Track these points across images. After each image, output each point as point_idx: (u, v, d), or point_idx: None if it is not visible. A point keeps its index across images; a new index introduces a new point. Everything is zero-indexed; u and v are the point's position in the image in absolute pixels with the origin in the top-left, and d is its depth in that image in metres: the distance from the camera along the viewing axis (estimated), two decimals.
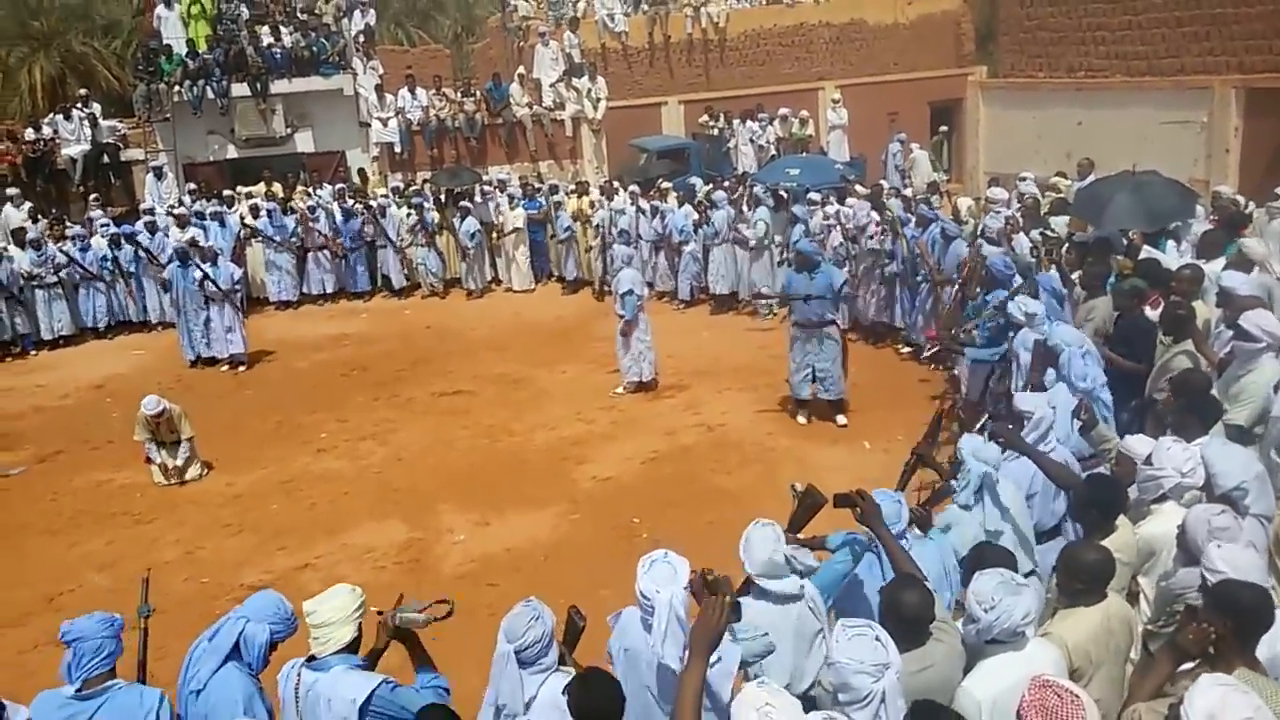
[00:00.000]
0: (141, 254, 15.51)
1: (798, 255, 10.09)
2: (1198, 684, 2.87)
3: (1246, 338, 6.09)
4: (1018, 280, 8.76)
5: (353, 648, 4.01)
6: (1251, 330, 6.06)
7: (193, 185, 18.36)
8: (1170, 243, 9.64)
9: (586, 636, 4.24)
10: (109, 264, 15.64)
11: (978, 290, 9.26)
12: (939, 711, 3.11)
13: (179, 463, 10.01)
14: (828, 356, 9.96)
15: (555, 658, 3.86)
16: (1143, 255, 8.90)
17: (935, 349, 10.09)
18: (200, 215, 16.33)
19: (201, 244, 14.26)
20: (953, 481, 5.16)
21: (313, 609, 3.97)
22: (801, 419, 10.28)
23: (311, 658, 3.98)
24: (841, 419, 10.24)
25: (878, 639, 3.30)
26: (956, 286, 10.25)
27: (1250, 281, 7.63)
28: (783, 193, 14.30)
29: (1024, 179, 13.39)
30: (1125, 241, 9.58)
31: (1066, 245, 9.97)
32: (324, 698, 3.86)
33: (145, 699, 3.97)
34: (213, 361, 13.93)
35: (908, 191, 14.53)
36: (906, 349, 12.33)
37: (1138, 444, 5.21)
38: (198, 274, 13.34)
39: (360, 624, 4.06)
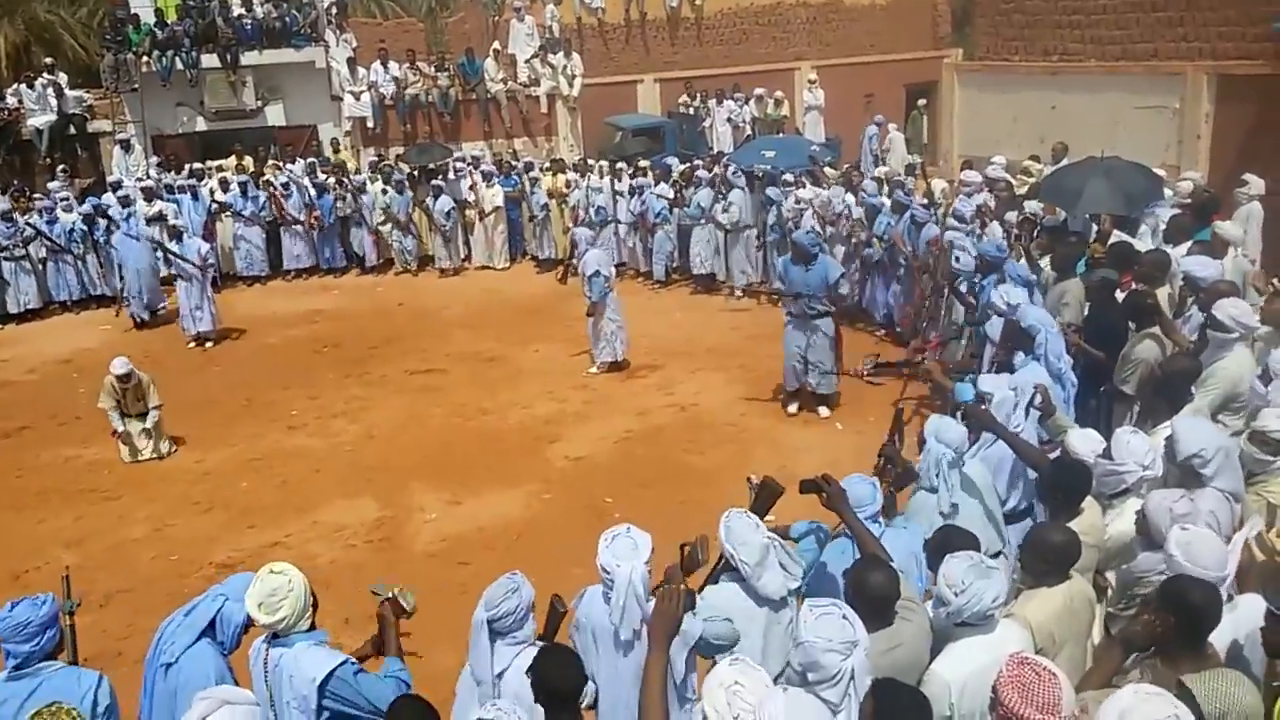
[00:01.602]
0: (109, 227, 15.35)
1: (794, 246, 9.84)
2: (1114, 694, 2.92)
3: (1219, 327, 6.16)
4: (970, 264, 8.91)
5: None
6: (1224, 320, 6.12)
7: (157, 158, 18.06)
8: (1144, 228, 9.73)
9: (565, 623, 4.25)
10: (76, 237, 15.42)
11: (958, 278, 9.30)
12: (899, 689, 3.14)
13: (148, 426, 9.90)
14: (821, 348, 9.77)
15: (531, 632, 3.89)
16: (1113, 239, 8.98)
17: (916, 360, 9.87)
18: (170, 189, 16.13)
19: (170, 219, 14.13)
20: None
21: (271, 617, 3.82)
22: (792, 409, 10.10)
23: (275, 634, 3.93)
24: (824, 410, 10.08)
25: (844, 617, 3.32)
26: (927, 277, 10.31)
27: (1224, 266, 7.74)
28: (757, 173, 14.28)
29: (993, 164, 13.42)
30: (1095, 228, 9.66)
31: (1038, 230, 10.06)
32: (287, 673, 3.84)
33: (83, 680, 3.92)
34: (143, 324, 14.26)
35: (880, 172, 14.56)
36: (878, 330, 12.40)
37: (1079, 441, 5.23)
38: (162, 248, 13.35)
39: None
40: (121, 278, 14.71)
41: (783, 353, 10.03)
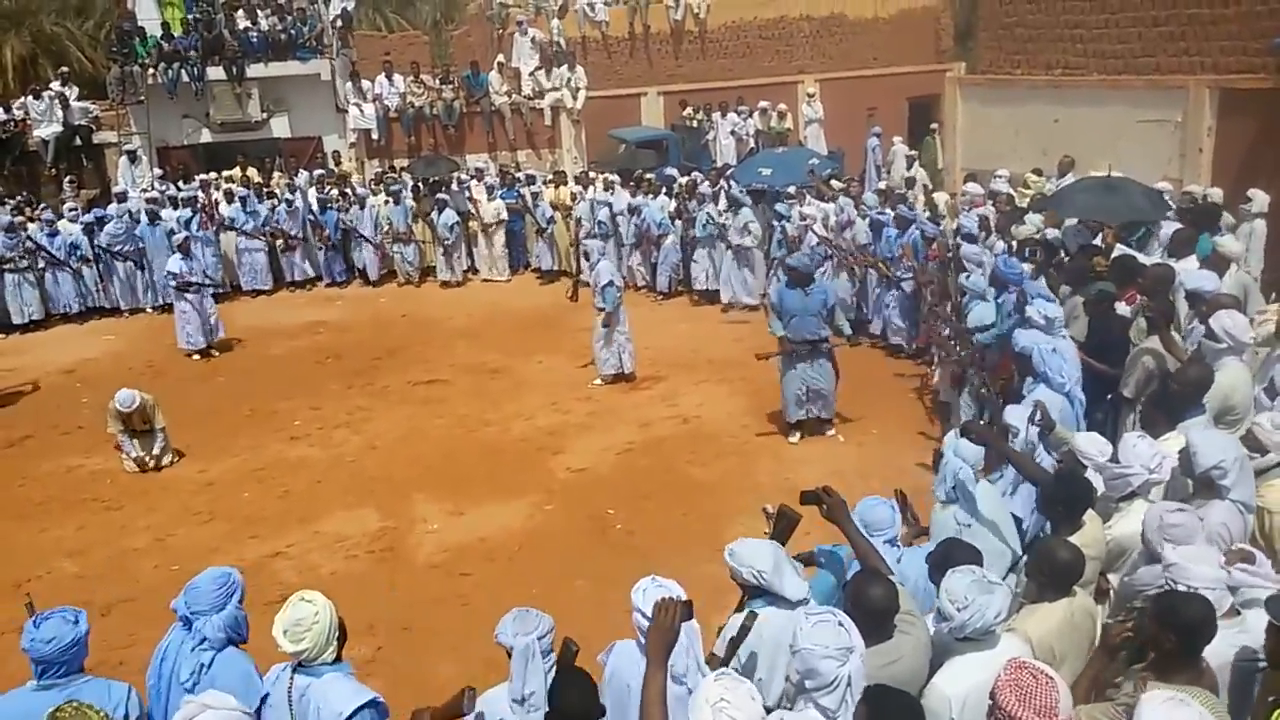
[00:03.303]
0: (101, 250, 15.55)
1: (791, 270, 9.53)
2: (1145, 702, 2.91)
3: (1212, 338, 6.19)
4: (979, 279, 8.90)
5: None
6: (1216, 331, 6.14)
7: (159, 170, 18.14)
8: (1156, 244, 9.75)
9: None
10: (77, 250, 15.49)
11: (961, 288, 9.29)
12: (891, 695, 3.14)
13: (155, 452, 9.94)
14: (825, 376, 9.48)
15: (553, 659, 3.90)
16: (1116, 253, 8.99)
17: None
18: (175, 201, 16.19)
19: (179, 232, 14.34)
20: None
21: (295, 646, 3.80)
22: (794, 439, 9.77)
23: (300, 663, 3.88)
24: (830, 431, 9.85)
25: (840, 624, 3.32)
26: (933, 282, 10.30)
27: (1227, 280, 7.76)
28: (760, 188, 14.29)
29: (998, 177, 13.45)
30: (1101, 243, 9.68)
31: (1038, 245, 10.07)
32: (314, 703, 3.81)
33: (113, 692, 3.91)
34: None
35: (881, 185, 14.58)
36: (882, 343, 12.40)
37: (1087, 444, 5.24)
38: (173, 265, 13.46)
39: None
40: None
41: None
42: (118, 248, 15.53)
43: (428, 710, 3.96)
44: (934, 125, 21.64)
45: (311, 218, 16.68)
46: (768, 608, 4.06)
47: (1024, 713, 2.90)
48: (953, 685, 3.57)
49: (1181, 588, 3.69)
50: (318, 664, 3.84)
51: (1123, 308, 7.71)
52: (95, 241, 15.52)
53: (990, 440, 5.34)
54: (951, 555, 4.10)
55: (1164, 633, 3.46)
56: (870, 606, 3.67)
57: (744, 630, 4.00)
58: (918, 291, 11.35)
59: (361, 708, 3.75)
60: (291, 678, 3.89)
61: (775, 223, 13.68)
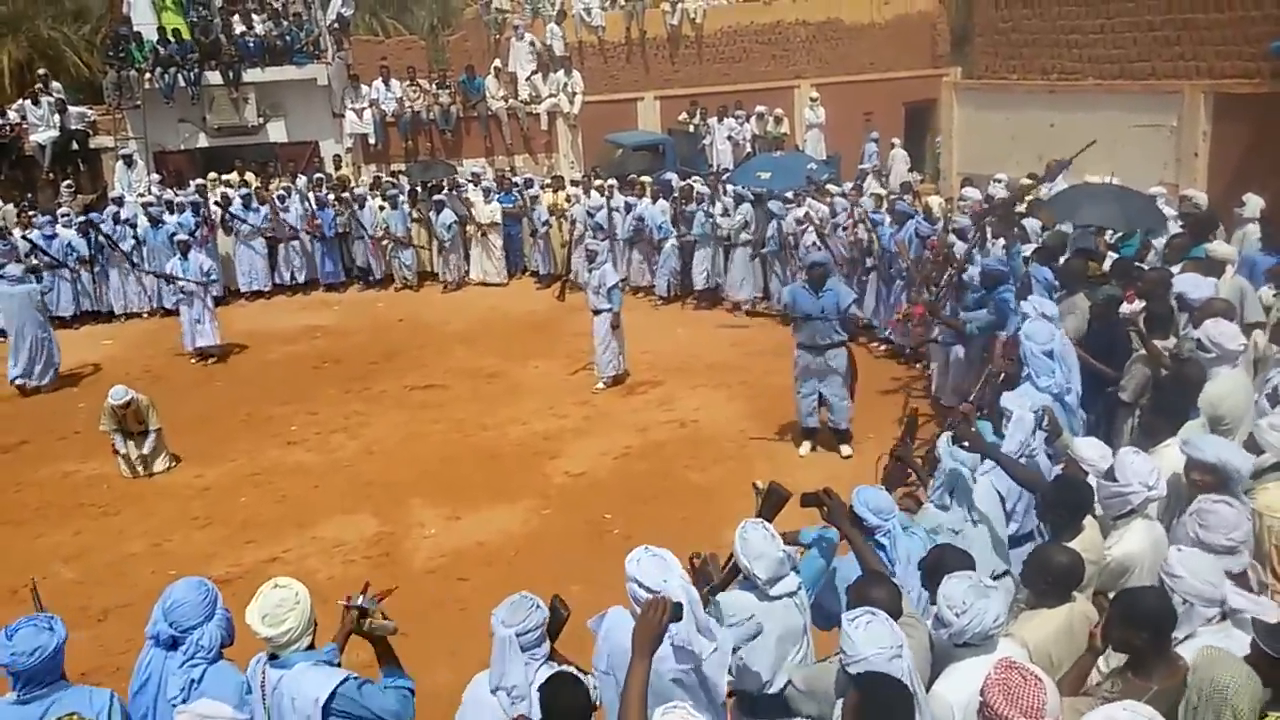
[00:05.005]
0: (104, 240, 15.49)
1: (809, 268, 9.28)
2: (1091, 716, 2.95)
3: (1201, 347, 6.16)
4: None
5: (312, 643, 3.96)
6: (1203, 339, 6.12)
7: (157, 175, 18.14)
8: (1154, 256, 9.73)
9: (566, 631, 4.21)
10: (74, 253, 15.49)
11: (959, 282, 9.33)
12: (884, 680, 3.16)
13: (145, 452, 9.91)
14: (836, 382, 9.21)
15: (547, 650, 3.88)
16: (1115, 258, 9.00)
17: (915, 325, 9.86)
18: (172, 205, 16.16)
19: (181, 234, 14.29)
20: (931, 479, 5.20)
21: (276, 629, 3.81)
22: (804, 450, 9.56)
23: (274, 655, 3.88)
24: (846, 449, 9.49)
25: (885, 620, 3.36)
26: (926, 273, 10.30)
27: (1224, 285, 7.76)
28: (758, 191, 14.32)
29: (997, 181, 13.48)
30: (1093, 245, 9.69)
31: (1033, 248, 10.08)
32: (288, 695, 3.79)
33: (95, 700, 3.87)
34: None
35: (878, 189, 14.62)
36: (880, 345, 12.40)
37: (1086, 448, 5.21)
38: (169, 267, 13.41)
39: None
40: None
41: (790, 374, 9.55)
42: (120, 242, 15.55)
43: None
44: (939, 138, 21.66)
45: (308, 212, 16.67)
46: (747, 593, 4.16)
47: (1011, 712, 2.93)
48: (954, 692, 3.55)
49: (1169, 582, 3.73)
50: (292, 651, 3.83)
51: (1124, 306, 7.72)
52: (97, 232, 15.47)
53: (979, 446, 5.29)
54: (944, 561, 4.08)
55: (1134, 632, 3.51)
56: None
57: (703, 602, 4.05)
58: (910, 285, 11.38)
59: (337, 688, 3.75)
60: (264, 672, 3.88)
61: (770, 223, 13.71)
